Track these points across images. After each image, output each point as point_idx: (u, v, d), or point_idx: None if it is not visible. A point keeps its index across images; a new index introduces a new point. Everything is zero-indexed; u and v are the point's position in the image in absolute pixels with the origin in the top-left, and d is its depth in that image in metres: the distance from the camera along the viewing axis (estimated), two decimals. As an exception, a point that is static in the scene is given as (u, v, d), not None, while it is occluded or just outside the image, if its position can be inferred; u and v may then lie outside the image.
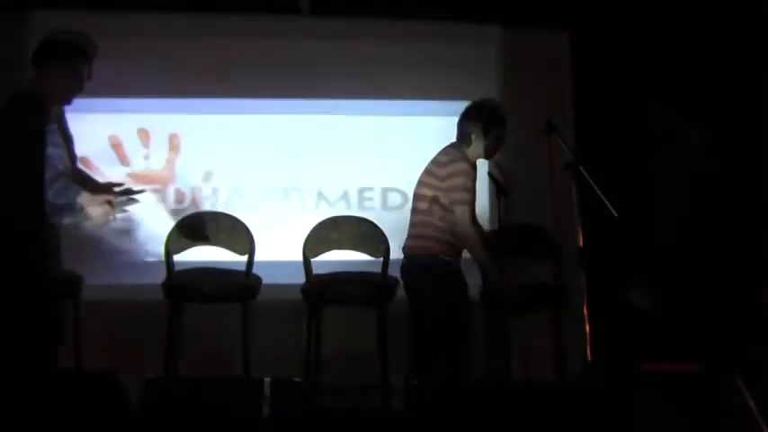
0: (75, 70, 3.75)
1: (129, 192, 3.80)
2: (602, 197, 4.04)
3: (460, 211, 4.33)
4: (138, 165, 5.45)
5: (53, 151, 3.56)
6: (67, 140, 3.79)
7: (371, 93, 5.65)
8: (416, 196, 4.51)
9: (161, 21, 5.53)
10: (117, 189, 3.84)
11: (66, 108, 5.33)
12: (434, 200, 4.40)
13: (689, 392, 3.68)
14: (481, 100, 4.69)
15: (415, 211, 4.52)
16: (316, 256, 4.77)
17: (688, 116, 4.44)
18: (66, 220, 3.61)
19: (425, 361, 4.41)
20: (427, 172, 4.49)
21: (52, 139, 3.56)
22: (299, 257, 4.75)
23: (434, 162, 4.50)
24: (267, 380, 3.86)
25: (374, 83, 5.62)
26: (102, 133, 5.43)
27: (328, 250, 4.81)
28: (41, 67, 3.69)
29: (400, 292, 4.66)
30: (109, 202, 3.62)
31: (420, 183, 4.52)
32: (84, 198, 3.57)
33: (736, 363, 3.82)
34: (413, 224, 4.52)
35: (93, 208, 3.55)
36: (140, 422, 3.83)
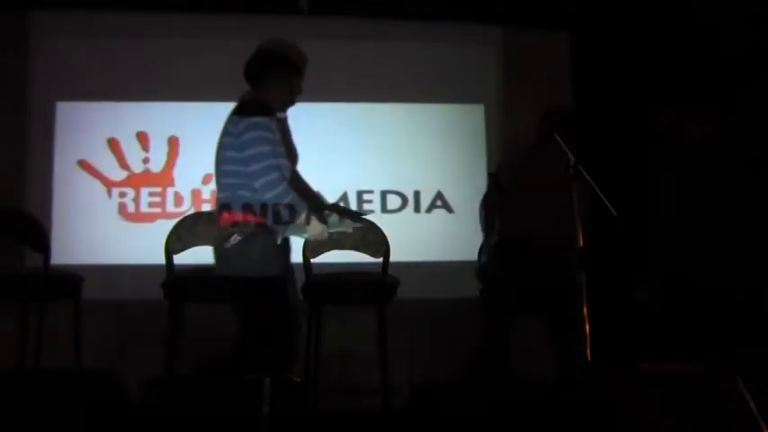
0: (290, 84, 3.88)
1: (353, 215, 3.99)
2: (603, 197, 4.03)
3: None
4: (138, 167, 5.44)
5: (280, 162, 3.67)
6: (290, 150, 3.95)
7: (371, 94, 5.65)
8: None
9: (158, 22, 5.53)
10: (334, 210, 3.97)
11: (66, 110, 5.40)
12: None
13: (689, 392, 3.68)
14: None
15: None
16: (316, 256, 4.75)
17: (697, 113, 4.44)
18: (287, 231, 3.68)
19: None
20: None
21: (279, 149, 3.68)
22: (299, 258, 4.74)
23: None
24: (267, 380, 3.86)
25: (374, 84, 5.63)
26: (101, 136, 5.42)
27: (328, 250, 4.79)
28: (261, 79, 3.83)
29: (400, 292, 4.66)
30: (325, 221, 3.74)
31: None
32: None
33: (736, 363, 3.82)
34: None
35: (315, 223, 3.63)
36: (140, 422, 3.83)
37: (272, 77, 3.82)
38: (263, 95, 3.78)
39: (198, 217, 5.05)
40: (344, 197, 5.63)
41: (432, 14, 5.61)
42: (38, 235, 4.61)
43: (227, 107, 5.44)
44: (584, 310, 4.03)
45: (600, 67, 5.58)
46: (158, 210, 5.42)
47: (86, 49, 5.45)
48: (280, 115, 3.93)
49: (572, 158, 4.09)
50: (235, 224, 3.62)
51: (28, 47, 5.37)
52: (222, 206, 3.70)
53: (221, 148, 3.73)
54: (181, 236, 4.83)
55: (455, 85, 5.61)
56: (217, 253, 3.72)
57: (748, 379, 3.59)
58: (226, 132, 3.73)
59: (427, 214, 5.53)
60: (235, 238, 3.58)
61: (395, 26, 5.65)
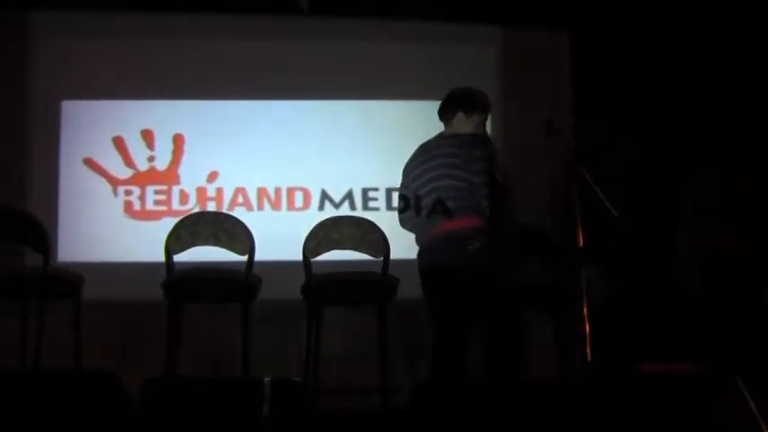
0: (482, 123, 4.49)
1: None
2: (603, 197, 4.02)
3: None
4: (143, 166, 5.46)
5: None
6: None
7: (372, 93, 5.65)
8: None
9: (162, 22, 5.55)
10: None
11: (71, 108, 5.43)
12: None
13: (689, 392, 3.67)
14: None
15: None
16: (316, 256, 4.75)
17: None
18: None
19: None
20: None
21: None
22: (300, 257, 4.74)
23: None
24: (267, 380, 3.86)
25: (374, 83, 5.63)
26: (106, 134, 5.44)
27: (328, 250, 4.79)
28: (458, 114, 4.49)
29: (400, 291, 4.65)
30: None
31: None
32: None
33: (736, 363, 3.81)
34: None
35: None
36: (140, 422, 3.83)
37: (474, 115, 4.45)
38: (459, 128, 4.44)
39: (199, 216, 5.06)
40: (350, 194, 5.63)
41: (432, 14, 5.60)
42: (38, 235, 4.61)
43: (230, 105, 5.56)
44: (585, 310, 4.03)
45: (600, 67, 5.57)
46: (164, 208, 5.45)
47: (91, 48, 5.48)
48: None
49: (572, 158, 4.09)
50: (470, 228, 4.23)
51: (28, 46, 5.39)
52: (454, 211, 4.25)
53: (441, 166, 4.30)
54: (181, 235, 4.83)
55: (455, 84, 5.56)
56: (453, 252, 4.22)
57: (748, 379, 3.58)
58: (445, 153, 4.33)
59: (433, 212, 5.53)
60: (478, 240, 4.20)
61: (394, 26, 5.65)
